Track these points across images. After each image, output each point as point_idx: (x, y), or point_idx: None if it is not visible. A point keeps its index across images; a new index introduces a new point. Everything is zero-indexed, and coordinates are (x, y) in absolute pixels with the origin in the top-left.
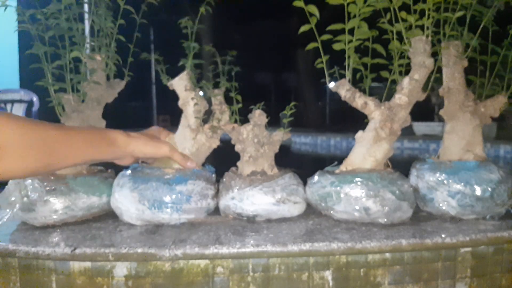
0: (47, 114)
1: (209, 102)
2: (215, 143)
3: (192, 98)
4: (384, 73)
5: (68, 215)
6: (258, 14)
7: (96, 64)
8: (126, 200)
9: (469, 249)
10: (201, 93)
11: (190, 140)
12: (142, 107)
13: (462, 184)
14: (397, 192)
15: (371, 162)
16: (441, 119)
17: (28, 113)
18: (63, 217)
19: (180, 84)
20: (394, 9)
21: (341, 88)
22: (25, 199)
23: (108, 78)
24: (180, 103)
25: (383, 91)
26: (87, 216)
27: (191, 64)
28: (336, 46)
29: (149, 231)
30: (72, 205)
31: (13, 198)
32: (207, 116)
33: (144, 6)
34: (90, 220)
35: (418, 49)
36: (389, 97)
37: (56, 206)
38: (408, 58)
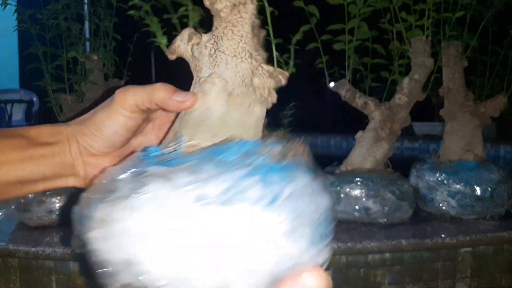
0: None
1: None
2: None
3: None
4: (384, 73)
5: (64, 215)
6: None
7: (93, 64)
8: None
9: (469, 249)
10: None
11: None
12: None
13: (462, 184)
14: (397, 192)
15: (371, 162)
16: (441, 119)
17: (28, 113)
18: (59, 217)
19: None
20: (394, 9)
21: (341, 88)
22: (21, 199)
23: (107, 78)
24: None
25: (383, 91)
26: None
27: None
28: (336, 46)
29: None
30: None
31: None
32: None
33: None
34: None
35: (418, 49)
36: (389, 97)
37: (52, 206)
38: (408, 58)
